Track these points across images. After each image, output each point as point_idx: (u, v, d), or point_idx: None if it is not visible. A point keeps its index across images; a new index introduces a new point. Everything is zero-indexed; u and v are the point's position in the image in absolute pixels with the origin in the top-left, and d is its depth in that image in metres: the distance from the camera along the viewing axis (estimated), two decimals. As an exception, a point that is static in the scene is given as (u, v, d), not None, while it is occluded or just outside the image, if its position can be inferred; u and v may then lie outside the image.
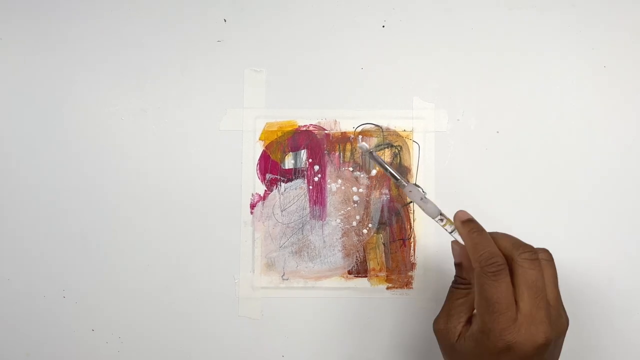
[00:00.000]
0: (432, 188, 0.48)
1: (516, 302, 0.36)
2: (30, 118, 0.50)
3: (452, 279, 0.43)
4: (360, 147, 0.45)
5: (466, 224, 0.39)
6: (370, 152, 0.43)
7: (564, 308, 0.38)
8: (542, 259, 0.38)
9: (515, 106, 0.49)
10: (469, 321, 0.39)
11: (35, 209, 0.49)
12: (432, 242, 0.48)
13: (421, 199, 0.40)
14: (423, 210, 0.40)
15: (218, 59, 0.50)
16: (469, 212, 0.39)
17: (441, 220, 0.40)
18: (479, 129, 0.49)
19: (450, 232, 0.40)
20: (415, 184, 0.43)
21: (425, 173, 0.48)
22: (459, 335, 0.38)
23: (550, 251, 0.42)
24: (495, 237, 0.38)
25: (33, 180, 0.49)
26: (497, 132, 0.49)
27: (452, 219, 0.40)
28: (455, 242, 0.40)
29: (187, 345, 0.48)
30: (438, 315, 0.40)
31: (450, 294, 0.40)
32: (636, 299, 0.47)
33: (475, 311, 0.38)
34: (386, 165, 0.42)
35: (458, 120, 0.49)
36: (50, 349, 0.49)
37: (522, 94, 0.49)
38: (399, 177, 0.41)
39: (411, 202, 0.48)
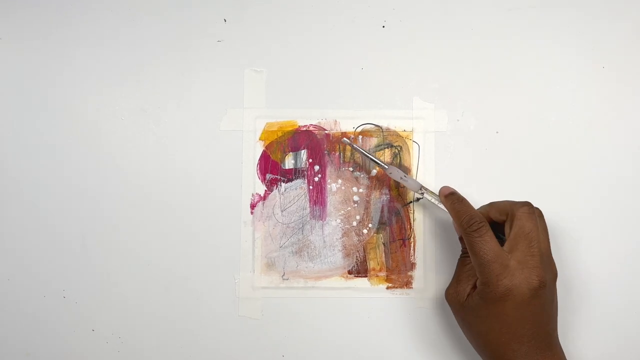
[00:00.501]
0: (432, 188, 0.48)
1: (512, 251, 0.40)
2: (30, 118, 0.49)
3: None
4: (343, 141, 0.48)
5: (448, 197, 0.44)
6: (350, 142, 0.47)
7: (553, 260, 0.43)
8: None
9: (514, 106, 0.49)
10: (475, 285, 0.42)
11: (35, 209, 0.49)
12: (432, 242, 0.48)
13: (401, 178, 0.46)
14: (406, 186, 0.46)
15: (218, 59, 0.49)
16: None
17: (422, 193, 0.45)
18: (478, 129, 0.49)
19: (437, 204, 0.45)
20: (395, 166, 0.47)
21: (425, 173, 0.49)
22: (467, 296, 0.42)
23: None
24: (495, 203, 0.44)
25: (32, 180, 0.49)
26: (497, 132, 0.49)
27: (433, 191, 0.45)
28: None
29: (187, 345, 0.48)
30: (449, 284, 0.44)
31: (459, 263, 0.45)
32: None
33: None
34: (365, 152, 0.47)
35: (458, 120, 0.49)
36: (50, 349, 0.49)
37: (521, 94, 0.49)
38: (379, 161, 0.46)
39: (411, 202, 0.48)
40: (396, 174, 0.46)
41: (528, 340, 0.40)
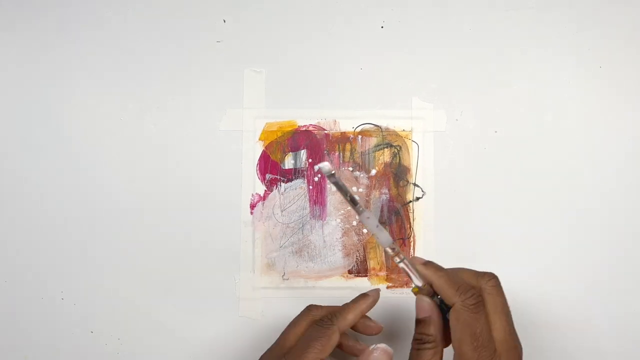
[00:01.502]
0: (431, 187, 0.49)
1: (492, 330, 0.36)
2: (30, 118, 0.49)
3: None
4: (321, 168, 0.38)
5: (428, 265, 0.38)
6: (333, 177, 0.38)
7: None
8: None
9: (512, 106, 0.49)
10: None
11: (33, 209, 0.49)
12: (432, 241, 0.48)
13: (377, 226, 0.39)
14: (376, 238, 0.39)
15: (218, 59, 0.50)
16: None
17: (392, 249, 0.39)
18: (477, 129, 0.49)
19: (399, 263, 0.39)
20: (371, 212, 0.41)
21: (424, 173, 0.49)
22: None
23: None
24: (456, 271, 0.38)
25: (32, 181, 0.49)
26: (495, 131, 0.49)
27: (401, 251, 0.39)
28: (420, 298, 0.38)
29: (187, 346, 0.48)
30: None
31: (417, 357, 0.37)
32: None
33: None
34: (344, 188, 0.38)
35: (456, 120, 0.49)
36: (48, 351, 0.48)
37: (519, 94, 0.49)
38: (356, 202, 0.38)
39: (410, 201, 0.49)
40: (372, 222, 0.38)
41: None
